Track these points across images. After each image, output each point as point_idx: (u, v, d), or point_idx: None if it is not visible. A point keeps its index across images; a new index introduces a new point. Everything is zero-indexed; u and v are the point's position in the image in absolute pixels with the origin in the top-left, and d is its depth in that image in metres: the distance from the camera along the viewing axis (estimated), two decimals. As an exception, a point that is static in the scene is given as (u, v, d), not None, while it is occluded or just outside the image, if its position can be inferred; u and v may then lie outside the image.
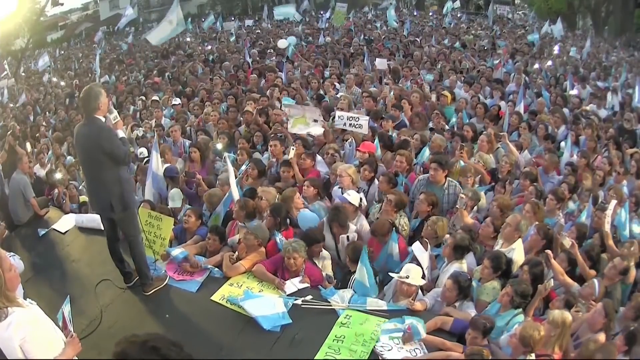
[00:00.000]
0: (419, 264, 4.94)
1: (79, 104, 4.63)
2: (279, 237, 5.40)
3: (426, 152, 7.36)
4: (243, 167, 7.07)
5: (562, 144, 8.19)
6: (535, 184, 6.36)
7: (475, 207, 6.18)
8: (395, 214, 5.85)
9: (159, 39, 14.97)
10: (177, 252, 5.45)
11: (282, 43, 15.92)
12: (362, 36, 19.90)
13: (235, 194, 6.12)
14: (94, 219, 6.35)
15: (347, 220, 5.67)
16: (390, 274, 4.91)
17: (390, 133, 8.11)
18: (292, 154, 6.88)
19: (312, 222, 5.81)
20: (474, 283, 4.76)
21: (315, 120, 8.08)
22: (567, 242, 5.11)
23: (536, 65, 13.55)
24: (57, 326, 3.45)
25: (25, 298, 3.38)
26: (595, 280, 4.63)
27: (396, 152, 7.07)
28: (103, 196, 4.75)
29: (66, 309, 3.58)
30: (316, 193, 6.39)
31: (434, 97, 10.23)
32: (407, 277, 4.69)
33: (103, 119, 4.65)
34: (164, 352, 2.07)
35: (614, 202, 5.71)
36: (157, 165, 7.25)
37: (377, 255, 5.42)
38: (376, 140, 7.66)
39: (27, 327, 3.04)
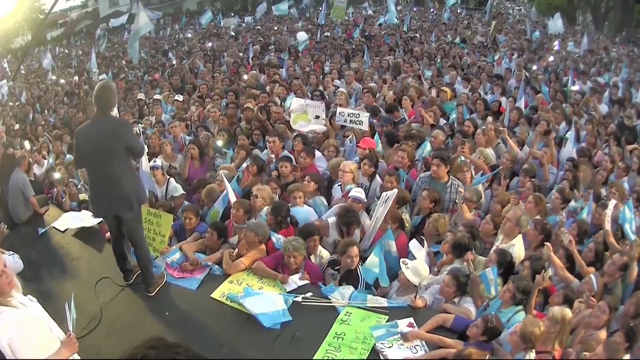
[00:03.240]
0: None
1: (95, 101, 4.58)
2: (276, 237, 5.40)
3: (427, 148, 7.34)
4: (244, 165, 7.03)
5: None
6: (533, 179, 6.37)
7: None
8: (396, 210, 5.83)
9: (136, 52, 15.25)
10: (175, 257, 5.52)
11: (301, 35, 15.99)
12: (363, 32, 19.85)
13: (232, 197, 6.11)
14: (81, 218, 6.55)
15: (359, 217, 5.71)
16: (402, 259, 4.91)
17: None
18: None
19: (306, 219, 5.81)
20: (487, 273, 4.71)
21: (317, 117, 8.07)
22: (566, 237, 5.10)
23: (534, 67, 13.39)
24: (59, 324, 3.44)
25: (25, 295, 3.36)
26: (592, 276, 4.61)
27: (398, 147, 7.06)
28: (122, 193, 4.63)
29: (71, 305, 3.60)
30: (316, 188, 6.39)
31: (433, 93, 10.20)
32: (406, 267, 4.72)
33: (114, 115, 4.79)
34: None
35: (613, 201, 5.69)
36: (146, 163, 7.22)
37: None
38: (376, 136, 7.65)
39: (16, 327, 3.00)
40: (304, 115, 8.09)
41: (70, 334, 3.40)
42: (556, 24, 18.38)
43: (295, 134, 7.94)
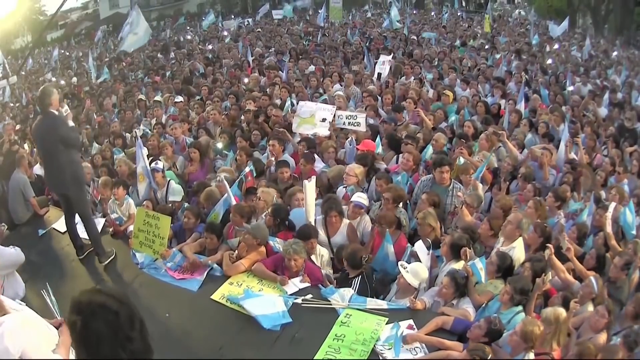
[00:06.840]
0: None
1: (39, 101, 5.68)
2: (274, 242, 5.40)
3: (429, 151, 7.34)
4: (247, 169, 7.01)
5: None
6: (533, 182, 6.36)
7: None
8: (395, 210, 5.83)
9: (130, 47, 15.24)
10: (175, 259, 5.55)
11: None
12: (362, 35, 19.85)
13: (232, 201, 6.11)
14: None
15: (342, 206, 5.78)
16: (400, 262, 4.90)
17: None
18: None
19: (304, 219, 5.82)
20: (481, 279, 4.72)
21: (324, 120, 8.02)
22: (565, 244, 5.10)
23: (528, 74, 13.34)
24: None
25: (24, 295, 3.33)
26: (592, 278, 4.61)
27: (404, 149, 7.05)
28: (60, 175, 5.62)
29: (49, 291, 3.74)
30: (318, 192, 6.39)
31: (431, 95, 10.20)
32: (406, 270, 4.72)
33: (56, 112, 5.57)
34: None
35: (614, 203, 5.69)
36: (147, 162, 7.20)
37: (375, 253, 5.42)
38: (377, 139, 7.65)
39: (22, 334, 2.89)
40: (311, 118, 8.04)
41: (59, 320, 3.35)
42: (563, 26, 18.42)
43: (299, 138, 7.93)
